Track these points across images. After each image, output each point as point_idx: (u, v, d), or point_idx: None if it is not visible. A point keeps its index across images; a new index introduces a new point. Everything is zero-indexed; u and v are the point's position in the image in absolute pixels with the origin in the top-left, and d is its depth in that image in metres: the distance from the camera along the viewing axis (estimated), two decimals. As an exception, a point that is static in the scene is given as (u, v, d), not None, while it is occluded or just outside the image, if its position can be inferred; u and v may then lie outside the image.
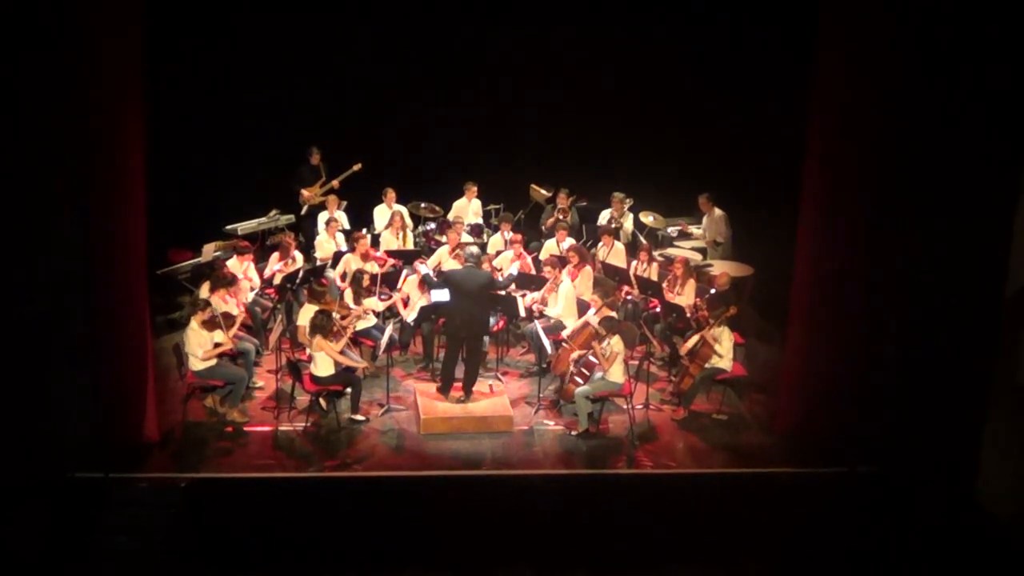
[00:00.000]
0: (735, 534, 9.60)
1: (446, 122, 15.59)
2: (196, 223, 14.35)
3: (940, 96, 9.67)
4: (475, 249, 11.69)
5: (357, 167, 15.10)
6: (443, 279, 11.58)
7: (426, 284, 12.09)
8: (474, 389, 11.46)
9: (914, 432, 10.22)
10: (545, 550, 9.45)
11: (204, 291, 11.58)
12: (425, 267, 12.58)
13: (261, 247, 14.33)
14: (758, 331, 13.02)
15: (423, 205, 15.25)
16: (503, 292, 11.96)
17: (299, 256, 13.27)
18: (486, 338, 12.08)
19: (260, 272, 12.95)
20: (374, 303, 12.04)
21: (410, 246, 14.17)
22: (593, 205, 15.31)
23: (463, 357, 11.49)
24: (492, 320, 12.18)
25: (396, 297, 12.27)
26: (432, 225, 14.98)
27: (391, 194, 14.62)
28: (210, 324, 10.81)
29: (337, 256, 13.31)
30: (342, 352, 10.85)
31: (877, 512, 9.83)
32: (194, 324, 10.78)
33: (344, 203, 14.76)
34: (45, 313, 9.67)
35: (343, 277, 12.75)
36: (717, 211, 14.38)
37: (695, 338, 11.37)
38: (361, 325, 11.78)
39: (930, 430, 10.17)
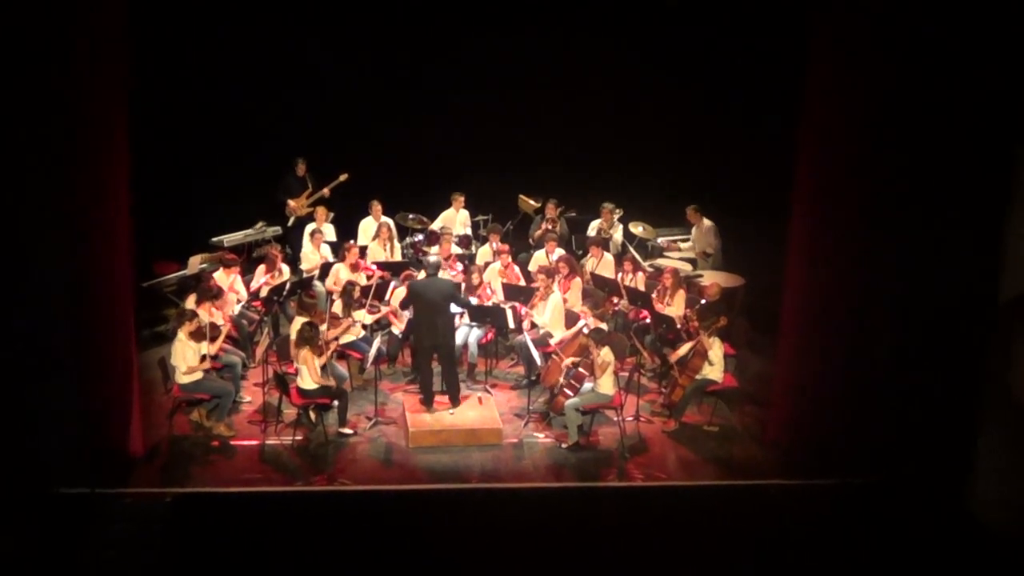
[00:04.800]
0: (726, 547, 9.58)
1: (433, 132, 15.63)
2: (182, 235, 14.36)
3: (930, 104, 9.71)
4: (434, 258, 11.72)
5: (343, 178, 15.15)
6: (407, 290, 11.59)
7: (400, 305, 12.12)
8: (463, 400, 11.49)
9: (907, 443, 10.24)
10: (535, 564, 9.41)
11: (190, 304, 11.58)
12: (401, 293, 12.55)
13: (248, 259, 14.33)
14: (749, 342, 13.03)
15: (410, 216, 15.28)
16: (489, 304, 12.01)
17: (286, 268, 13.27)
18: (474, 349, 12.11)
19: (247, 284, 12.95)
20: (363, 315, 12.05)
21: (398, 257, 14.19)
22: (582, 216, 15.34)
23: (440, 370, 11.49)
24: (480, 332, 12.22)
25: (385, 310, 12.28)
26: (420, 236, 15.00)
27: (377, 206, 14.63)
28: (198, 335, 10.82)
29: (324, 267, 13.33)
30: (323, 367, 10.85)
31: (870, 524, 9.85)
32: (181, 335, 10.78)
33: (331, 215, 14.78)
34: (30, 326, 9.66)
35: (334, 286, 12.78)
36: (706, 222, 14.44)
37: (687, 345, 11.41)
38: (349, 337, 11.79)
39: (923, 440, 10.20)
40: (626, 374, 11.66)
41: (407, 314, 12.11)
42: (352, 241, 13.81)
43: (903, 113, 9.77)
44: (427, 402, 11.38)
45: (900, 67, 9.70)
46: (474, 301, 12.22)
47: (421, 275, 11.89)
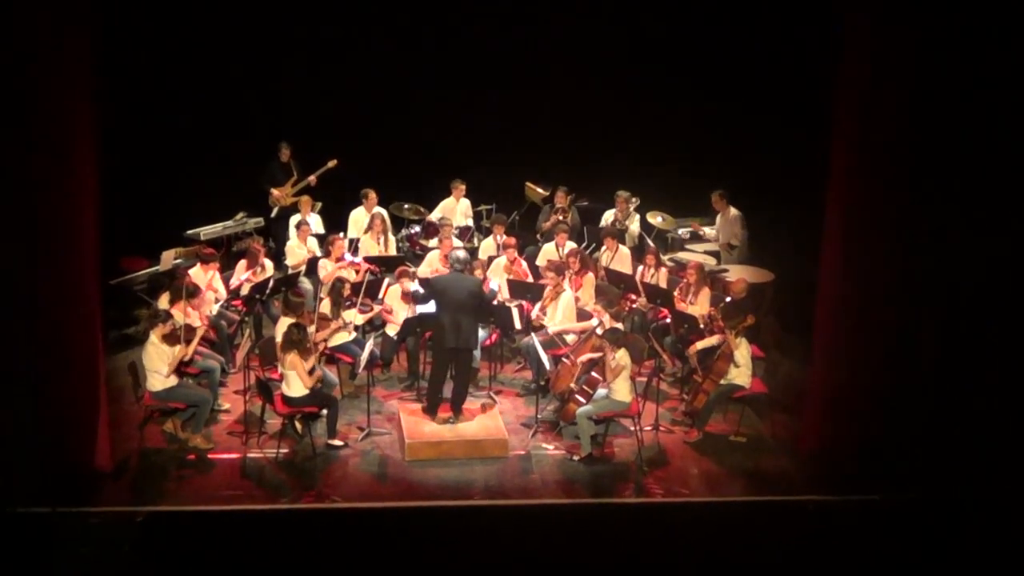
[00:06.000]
0: (755, 569, 9.54)
1: (431, 113, 15.56)
2: (154, 227, 14.32)
3: (982, 77, 9.66)
4: (462, 253, 11.63)
5: (332, 163, 15.10)
6: (427, 286, 11.52)
7: (415, 301, 12.00)
8: (465, 409, 11.40)
9: (956, 454, 10.17)
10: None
11: (163, 303, 11.52)
12: (415, 284, 12.44)
13: (227, 254, 14.29)
14: (779, 343, 13.01)
15: (406, 206, 15.25)
16: (494, 302, 11.94)
17: (269, 264, 13.22)
18: (477, 352, 12.03)
19: (226, 282, 12.89)
20: (354, 316, 11.97)
21: (392, 252, 14.12)
22: (595, 205, 15.31)
23: (451, 374, 11.42)
24: (484, 333, 12.14)
25: (378, 309, 12.21)
26: (416, 228, 14.94)
27: (372, 196, 14.54)
28: (172, 338, 10.75)
29: (312, 263, 13.26)
30: (311, 372, 10.76)
31: (914, 545, 9.76)
32: (154, 338, 10.71)
33: (319, 204, 14.72)
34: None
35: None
36: (732, 210, 14.36)
37: (710, 339, 11.34)
38: (339, 340, 11.71)
39: (972, 452, 10.13)
40: (644, 379, 11.58)
41: (403, 312, 12.03)
42: (341, 234, 13.75)
43: (951, 88, 9.73)
44: (431, 409, 11.33)
45: (945, 51, 9.67)
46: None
47: (424, 269, 11.83)
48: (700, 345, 11.44)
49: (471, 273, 11.72)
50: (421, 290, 11.94)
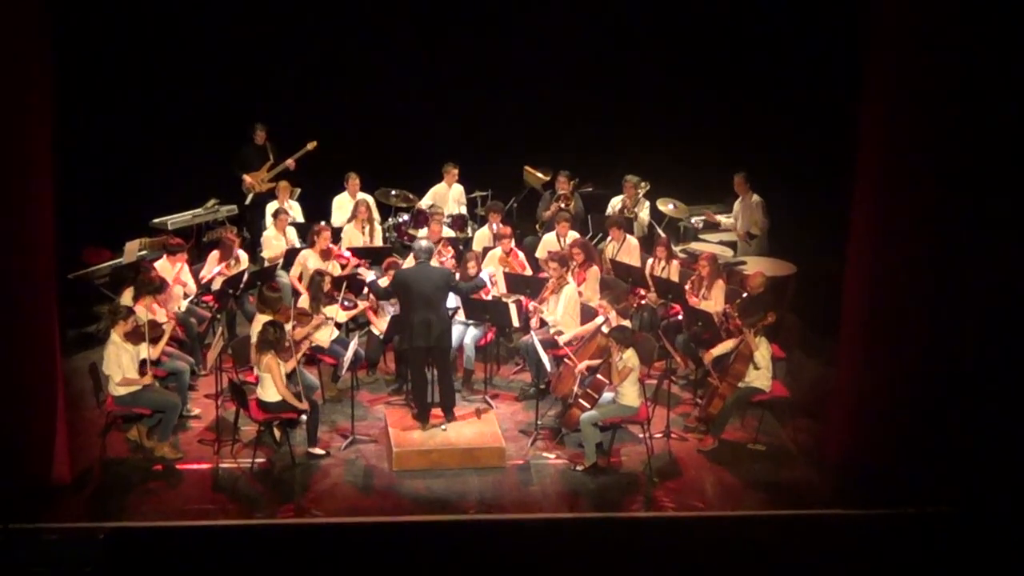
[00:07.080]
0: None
1: (421, 90, 15.53)
2: (117, 216, 14.29)
3: (1017, 75, 9.65)
4: (424, 242, 11.59)
5: (311, 146, 15.09)
6: (392, 281, 11.49)
7: (374, 294, 11.97)
8: (458, 414, 11.39)
9: (992, 465, 10.17)
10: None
11: (126, 298, 11.49)
12: (372, 274, 12.41)
13: (197, 245, 14.30)
14: (802, 343, 12.96)
15: (393, 192, 15.25)
16: (489, 297, 11.93)
17: (244, 256, 13.20)
18: (471, 353, 12.03)
19: (196, 275, 12.88)
20: (336, 312, 11.94)
21: (379, 242, 14.10)
22: (601, 191, 15.28)
23: (433, 376, 11.40)
24: (478, 331, 12.12)
25: (363, 305, 12.19)
26: (405, 217, 14.92)
27: (354, 180, 14.56)
28: (136, 336, 10.72)
29: (290, 254, 13.24)
30: (290, 375, 10.72)
31: (946, 561, 9.76)
32: (115, 337, 10.69)
33: (297, 191, 14.70)
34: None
35: (300, 279, 12.69)
36: (754, 196, 14.34)
37: (727, 344, 11.31)
38: (321, 338, 11.69)
39: (1011, 463, 10.13)
40: (654, 382, 11.61)
41: (391, 310, 12.00)
42: (323, 222, 13.72)
43: (987, 72, 9.71)
44: (422, 416, 11.30)
45: (977, 24, 9.66)
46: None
47: (409, 262, 11.79)
48: (716, 352, 11.37)
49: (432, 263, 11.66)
50: (380, 283, 11.89)
